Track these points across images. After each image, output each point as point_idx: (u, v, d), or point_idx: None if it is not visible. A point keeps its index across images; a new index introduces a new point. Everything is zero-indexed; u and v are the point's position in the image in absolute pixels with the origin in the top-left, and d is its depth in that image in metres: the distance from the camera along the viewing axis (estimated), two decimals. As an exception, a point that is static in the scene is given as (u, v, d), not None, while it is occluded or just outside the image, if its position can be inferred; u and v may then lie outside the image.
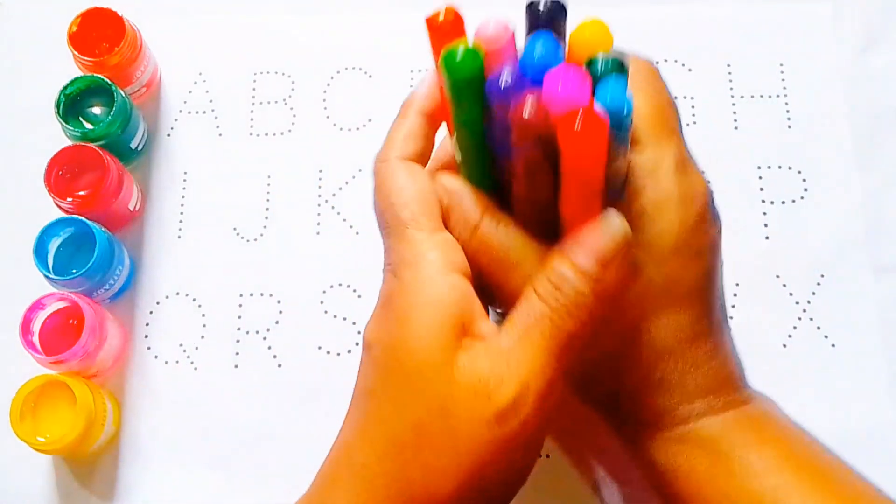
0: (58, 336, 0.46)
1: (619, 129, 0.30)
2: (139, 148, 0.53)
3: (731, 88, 0.54)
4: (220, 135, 0.55)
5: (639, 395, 0.34)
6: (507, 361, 0.30)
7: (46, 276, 0.47)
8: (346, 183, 0.53)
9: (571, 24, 0.31)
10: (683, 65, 0.55)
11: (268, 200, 0.53)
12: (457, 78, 0.29)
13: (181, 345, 0.50)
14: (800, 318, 0.49)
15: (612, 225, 0.30)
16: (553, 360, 0.30)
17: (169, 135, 0.55)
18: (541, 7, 0.30)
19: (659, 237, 0.33)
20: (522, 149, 0.29)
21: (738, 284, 0.49)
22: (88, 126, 0.50)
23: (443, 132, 0.36)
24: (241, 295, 0.51)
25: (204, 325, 0.51)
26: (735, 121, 0.53)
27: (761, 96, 0.54)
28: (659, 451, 0.34)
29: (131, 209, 0.52)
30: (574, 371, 0.32)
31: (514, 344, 0.30)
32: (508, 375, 0.29)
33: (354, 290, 0.51)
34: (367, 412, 0.32)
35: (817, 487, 0.32)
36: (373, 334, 0.32)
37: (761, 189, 0.52)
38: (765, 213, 0.51)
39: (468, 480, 0.30)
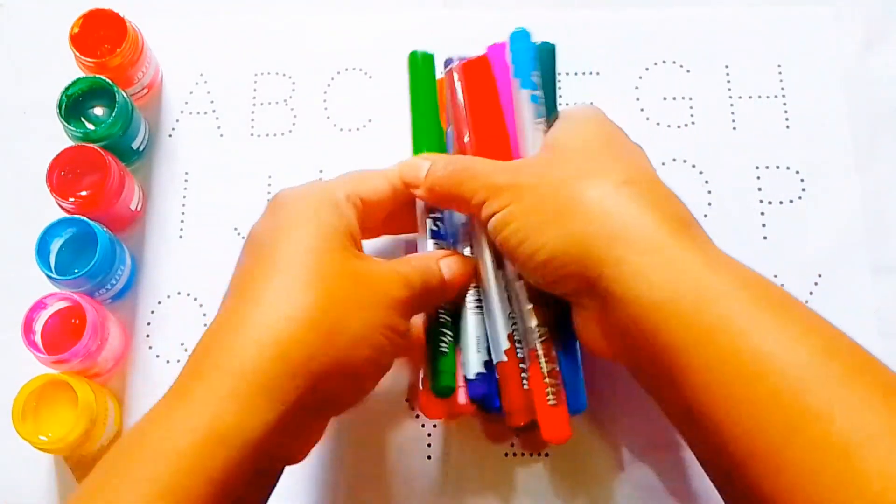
0: (60, 335, 0.47)
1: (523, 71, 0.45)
2: (141, 148, 0.54)
3: (730, 89, 0.54)
4: (221, 135, 0.55)
5: (600, 254, 0.37)
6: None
7: (48, 276, 0.47)
8: (347, 183, 0.53)
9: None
10: (682, 66, 0.55)
11: (268, 201, 0.53)
12: (418, 59, 0.48)
13: (182, 344, 0.50)
14: (798, 318, 0.49)
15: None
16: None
17: (170, 135, 0.55)
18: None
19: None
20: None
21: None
22: (90, 127, 0.51)
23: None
24: (241, 295, 0.51)
25: (205, 325, 0.50)
26: (733, 121, 0.53)
27: (759, 97, 0.54)
28: (634, 308, 0.35)
29: (133, 209, 0.52)
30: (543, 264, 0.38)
31: None
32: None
33: (354, 290, 0.51)
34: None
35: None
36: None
37: (759, 189, 0.52)
38: (763, 214, 0.51)
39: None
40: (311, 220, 0.37)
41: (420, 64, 0.48)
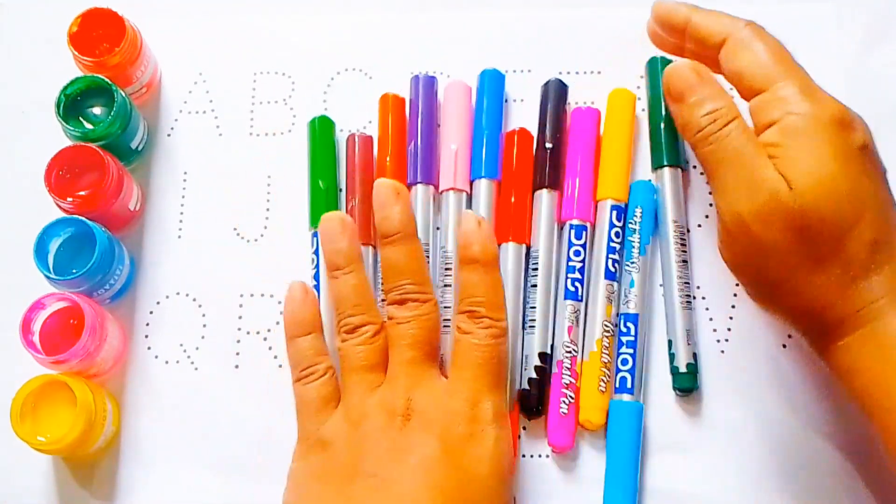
0: (58, 336, 0.46)
1: None
2: (139, 148, 0.53)
3: (732, 88, 0.54)
4: (221, 135, 0.55)
5: (820, 305, 0.39)
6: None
7: (47, 276, 0.47)
8: (347, 183, 0.53)
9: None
10: (684, 64, 0.54)
11: (268, 200, 0.53)
12: (316, 125, 0.52)
13: (181, 345, 0.50)
14: (800, 318, 0.49)
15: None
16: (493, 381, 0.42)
17: (169, 135, 0.55)
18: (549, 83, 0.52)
19: (800, 159, 0.39)
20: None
21: (738, 284, 0.49)
22: (89, 126, 0.50)
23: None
24: (241, 295, 0.51)
25: (204, 326, 0.51)
26: (735, 120, 0.53)
27: (761, 96, 0.54)
28: (840, 356, 0.39)
29: (131, 209, 0.52)
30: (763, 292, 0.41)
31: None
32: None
33: (354, 290, 0.51)
34: None
35: None
36: None
37: (762, 189, 0.52)
38: (765, 213, 0.51)
39: None
40: None
41: (318, 129, 0.52)
